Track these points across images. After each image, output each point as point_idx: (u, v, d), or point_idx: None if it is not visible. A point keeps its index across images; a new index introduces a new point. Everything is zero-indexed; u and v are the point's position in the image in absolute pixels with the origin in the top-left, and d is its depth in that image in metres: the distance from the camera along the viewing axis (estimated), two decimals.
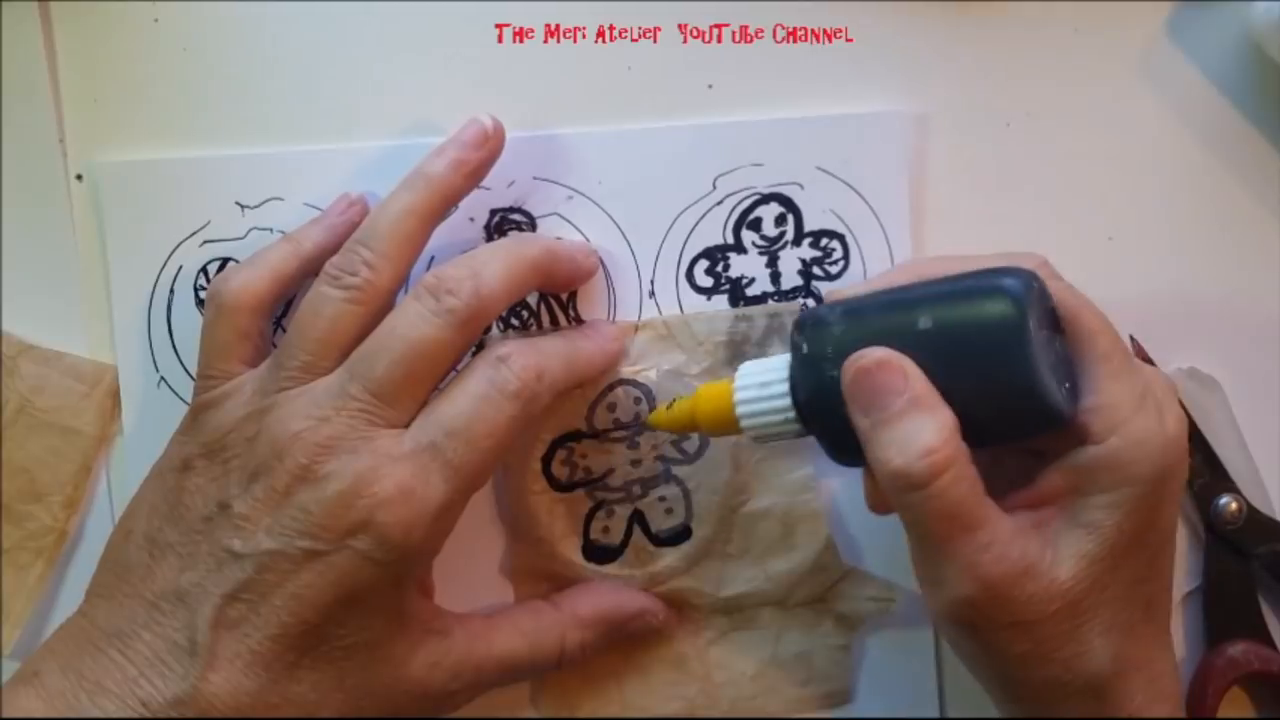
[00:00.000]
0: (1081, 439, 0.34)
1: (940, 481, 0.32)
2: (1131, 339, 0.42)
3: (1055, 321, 0.35)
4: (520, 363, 0.36)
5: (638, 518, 0.42)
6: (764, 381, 0.36)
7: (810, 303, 0.42)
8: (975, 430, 0.33)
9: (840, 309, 0.35)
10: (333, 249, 0.38)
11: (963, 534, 0.33)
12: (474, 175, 0.39)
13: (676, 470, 0.41)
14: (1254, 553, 0.41)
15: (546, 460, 0.42)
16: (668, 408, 0.38)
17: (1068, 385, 0.34)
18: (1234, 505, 0.41)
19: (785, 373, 0.35)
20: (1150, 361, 0.42)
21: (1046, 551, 0.33)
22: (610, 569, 0.42)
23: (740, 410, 0.36)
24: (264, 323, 0.39)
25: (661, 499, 0.42)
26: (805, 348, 0.35)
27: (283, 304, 0.40)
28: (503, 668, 0.38)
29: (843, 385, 0.33)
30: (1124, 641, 0.34)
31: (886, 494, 0.33)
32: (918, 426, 0.32)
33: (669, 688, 0.42)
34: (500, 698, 0.40)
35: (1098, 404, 0.34)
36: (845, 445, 0.34)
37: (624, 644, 0.42)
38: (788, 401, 0.35)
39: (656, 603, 0.41)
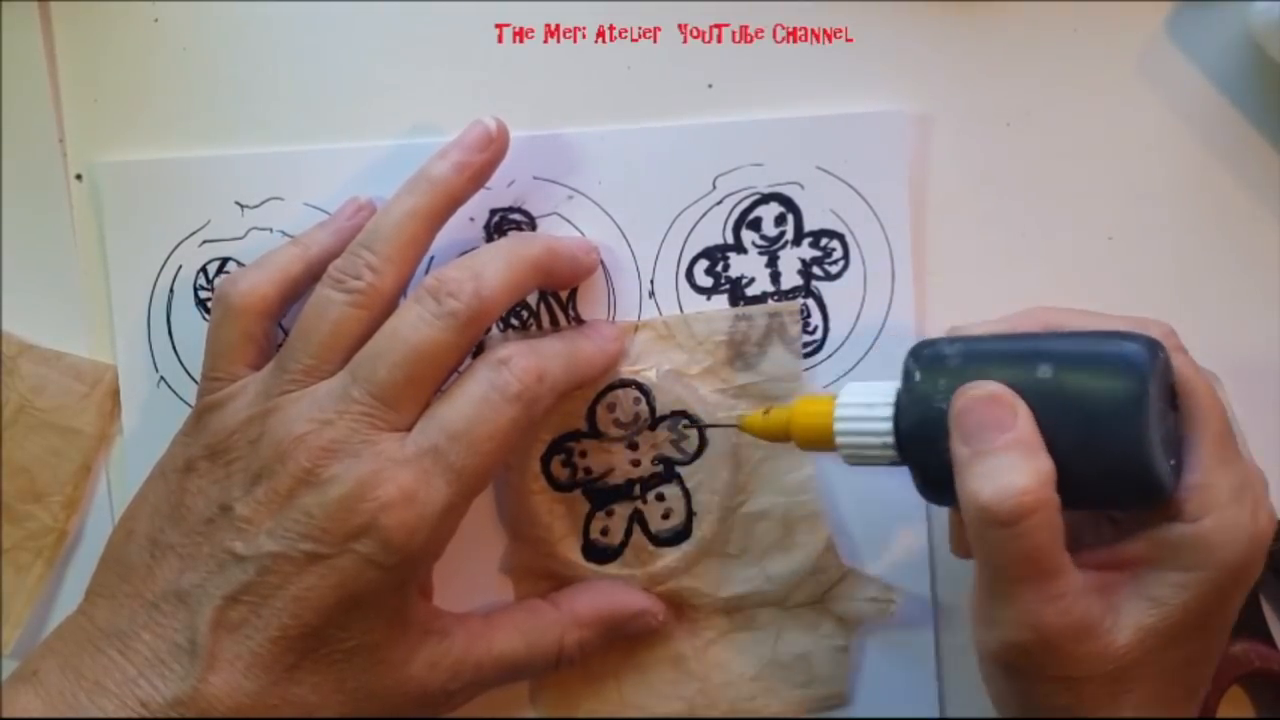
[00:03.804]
0: (1174, 515, 0.33)
1: (1025, 524, 0.31)
2: None
3: (1171, 395, 0.34)
4: (521, 365, 0.36)
5: (637, 518, 0.42)
6: (868, 403, 0.35)
7: (810, 303, 0.42)
8: (1072, 489, 0.32)
9: (960, 345, 0.34)
10: (339, 253, 0.38)
11: (1033, 580, 0.32)
12: (477, 178, 0.38)
13: (676, 470, 0.41)
14: None
15: (546, 460, 0.42)
16: (764, 413, 0.38)
17: (1173, 462, 0.33)
18: None
19: (891, 398, 0.35)
20: None
21: (1108, 615, 0.33)
22: (610, 569, 0.42)
23: (839, 428, 0.35)
24: (270, 325, 0.39)
25: (661, 499, 0.42)
26: (918, 376, 0.34)
27: (288, 307, 0.40)
28: (501, 667, 0.38)
29: (951, 411, 0.33)
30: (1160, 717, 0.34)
31: (968, 525, 0.33)
32: (1015, 465, 0.32)
33: (668, 687, 0.42)
34: (500, 697, 0.40)
35: (1198, 483, 0.33)
36: (938, 481, 0.34)
37: (623, 644, 0.42)
38: (889, 426, 0.34)
39: (656, 603, 0.41)
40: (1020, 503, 0.31)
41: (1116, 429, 0.32)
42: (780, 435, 0.37)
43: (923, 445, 0.34)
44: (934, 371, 0.34)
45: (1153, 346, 0.33)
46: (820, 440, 0.36)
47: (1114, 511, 0.36)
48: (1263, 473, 0.36)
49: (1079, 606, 0.32)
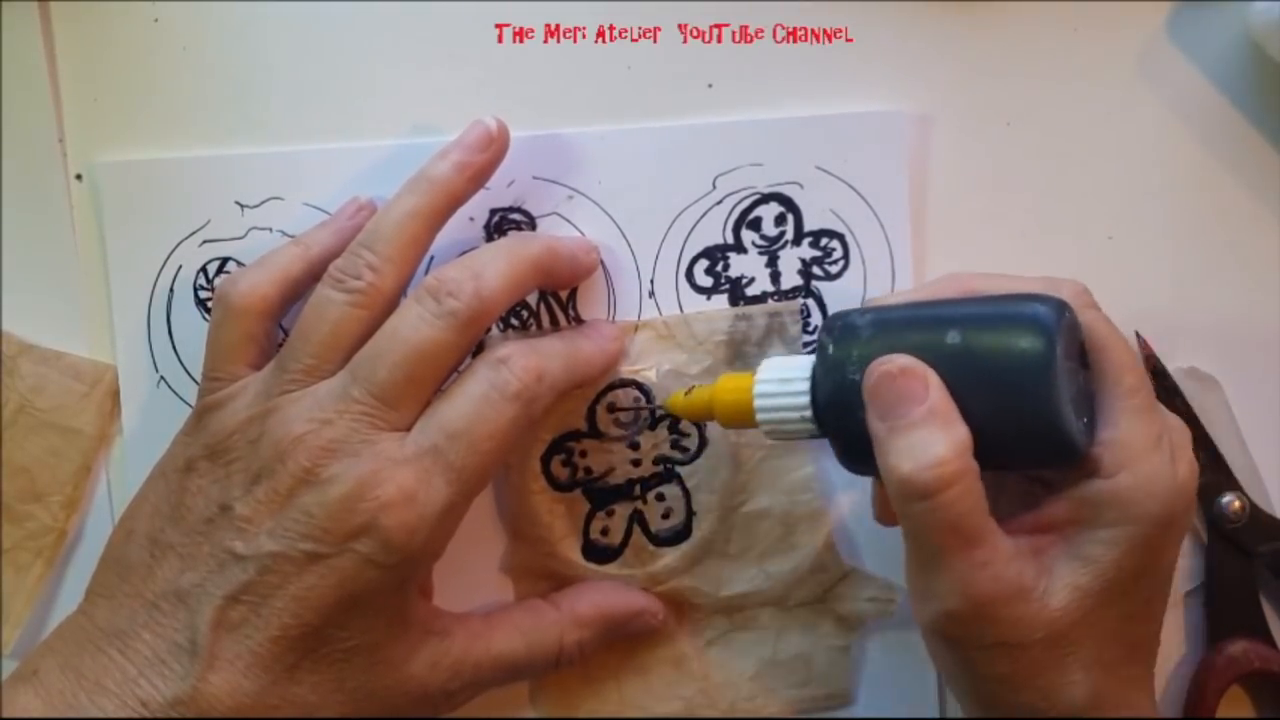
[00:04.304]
0: (1092, 471, 0.34)
1: (946, 494, 0.32)
2: (1138, 335, 0.42)
3: (1083, 354, 0.35)
4: (520, 364, 0.36)
5: (637, 518, 0.42)
6: (785, 378, 0.36)
7: (810, 303, 0.42)
8: (988, 452, 0.33)
9: (871, 315, 0.35)
10: (340, 252, 0.38)
11: (961, 549, 0.32)
12: (478, 178, 0.38)
13: (676, 470, 0.41)
14: (1256, 551, 0.41)
15: (546, 460, 0.42)
16: (685, 394, 0.38)
17: (1086, 419, 0.34)
18: (1237, 504, 0.41)
19: (807, 372, 0.35)
20: (1156, 359, 0.42)
21: (1041, 578, 0.33)
22: (610, 569, 0.42)
23: (758, 404, 0.36)
24: (270, 325, 0.39)
25: (661, 499, 0.42)
26: (830, 349, 0.35)
27: (289, 307, 0.40)
28: (501, 667, 0.38)
29: (864, 388, 0.33)
30: (1105, 679, 0.34)
31: (892, 500, 0.33)
32: (932, 437, 0.32)
33: (668, 688, 0.42)
34: (500, 697, 0.40)
35: (1113, 438, 0.34)
36: (858, 451, 0.34)
37: (623, 644, 0.42)
38: (806, 400, 0.35)
39: (656, 603, 0.41)
40: (940, 474, 0.32)
41: (1025, 389, 0.32)
42: (704, 414, 0.38)
43: (840, 416, 0.34)
44: (846, 342, 0.34)
45: (1059, 306, 0.33)
46: (741, 417, 0.36)
47: (1033, 472, 0.36)
48: (1184, 426, 0.36)
49: (1009, 571, 0.33)
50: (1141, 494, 0.33)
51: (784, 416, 0.36)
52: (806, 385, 0.35)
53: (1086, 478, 0.34)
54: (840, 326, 0.35)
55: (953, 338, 0.33)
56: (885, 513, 0.38)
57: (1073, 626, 0.33)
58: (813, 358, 0.35)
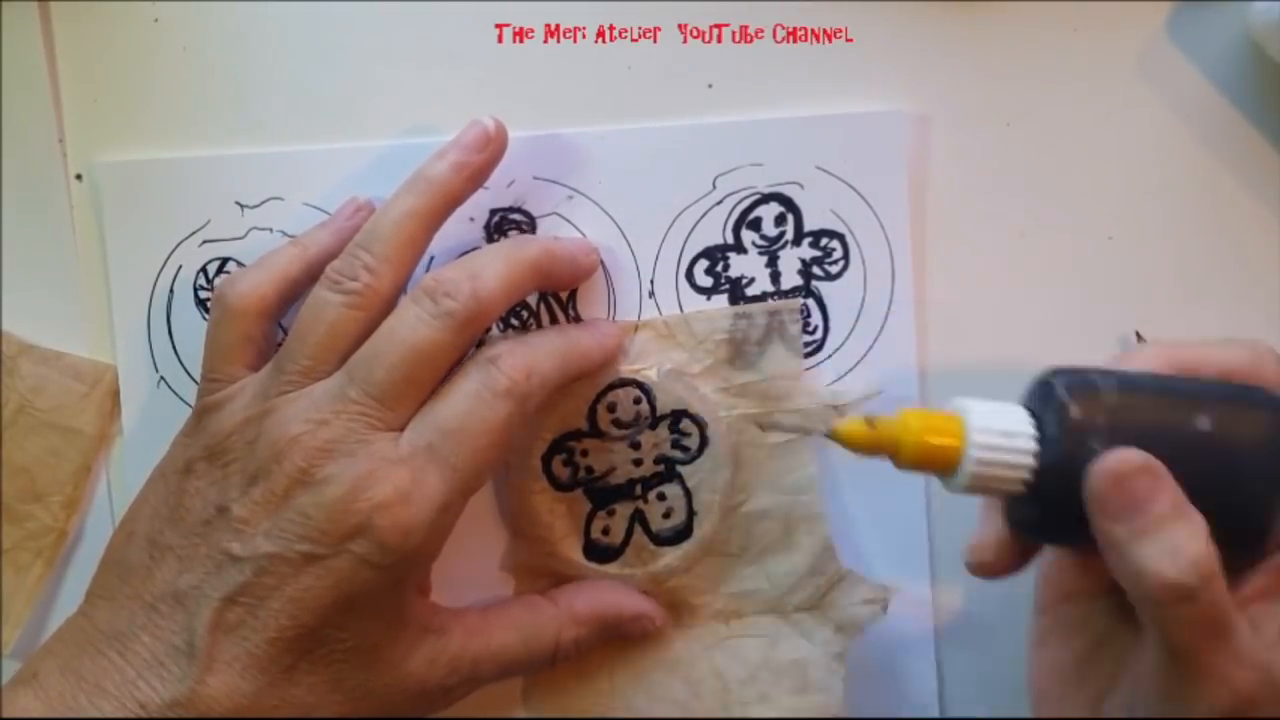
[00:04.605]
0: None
1: (1209, 591, 0.30)
2: (1137, 335, 0.42)
3: None
4: (510, 362, 0.36)
5: (638, 517, 0.42)
6: (1008, 431, 0.32)
7: (810, 303, 0.42)
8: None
9: (1115, 379, 0.32)
10: (339, 253, 0.38)
11: (1218, 643, 0.30)
12: (476, 178, 0.38)
13: (677, 469, 0.41)
14: None
15: (547, 459, 0.41)
16: (869, 424, 0.33)
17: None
18: None
19: (1029, 428, 0.32)
20: None
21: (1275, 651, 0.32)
22: (611, 568, 0.42)
23: (977, 455, 0.32)
24: (269, 326, 0.39)
25: (662, 498, 0.42)
26: (1073, 410, 0.31)
27: (288, 308, 0.40)
28: (498, 663, 0.38)
29: (1091, 488, 0.31)
30: None
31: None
32: (1183, 534, 0.30)
33: (664, 689, 0.42)
34: (492, 694, 0.40)
35: None
36: (1067, 526, 0.32)
37: (619, 645, 0.42)
38: (1030, 460, 0.32)
39: (654, 607, 0.41)
40: (1201, 572, 0.30)
41: (1249, 489, 0.32)
42: (884, 450, 0.33)
43: (1064, 485, 0.31)
44: (1091, 405, 0.32)
45: None
46: (937, 462, 0.32)
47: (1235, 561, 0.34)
48: None
49: (1260, 656, 0.31)
50: None
51: (999, 474, 0.32)
52: (1033, 444, 0.32)
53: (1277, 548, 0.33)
54: (1081, 385, 0.32)
55: (1203, 424, 0.31)
56: (997, 564, 0.35)
57: None
58: (1020, 409, 0.32)
